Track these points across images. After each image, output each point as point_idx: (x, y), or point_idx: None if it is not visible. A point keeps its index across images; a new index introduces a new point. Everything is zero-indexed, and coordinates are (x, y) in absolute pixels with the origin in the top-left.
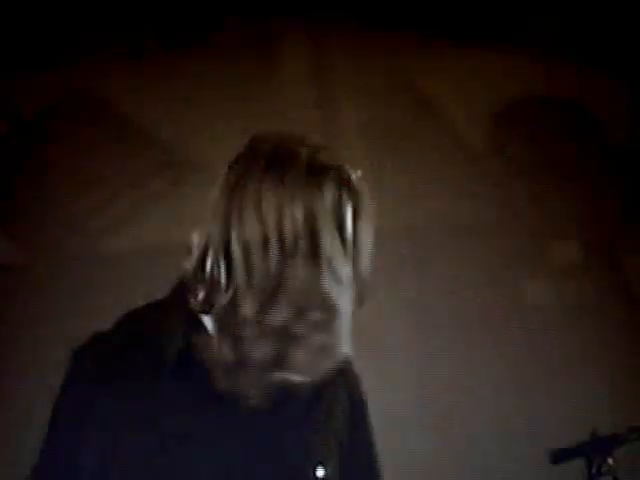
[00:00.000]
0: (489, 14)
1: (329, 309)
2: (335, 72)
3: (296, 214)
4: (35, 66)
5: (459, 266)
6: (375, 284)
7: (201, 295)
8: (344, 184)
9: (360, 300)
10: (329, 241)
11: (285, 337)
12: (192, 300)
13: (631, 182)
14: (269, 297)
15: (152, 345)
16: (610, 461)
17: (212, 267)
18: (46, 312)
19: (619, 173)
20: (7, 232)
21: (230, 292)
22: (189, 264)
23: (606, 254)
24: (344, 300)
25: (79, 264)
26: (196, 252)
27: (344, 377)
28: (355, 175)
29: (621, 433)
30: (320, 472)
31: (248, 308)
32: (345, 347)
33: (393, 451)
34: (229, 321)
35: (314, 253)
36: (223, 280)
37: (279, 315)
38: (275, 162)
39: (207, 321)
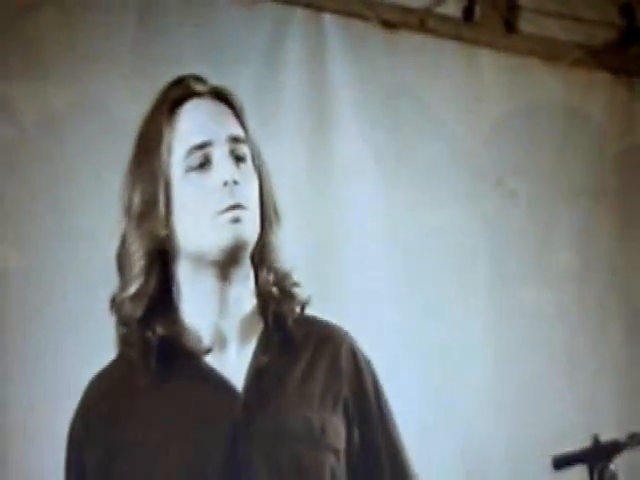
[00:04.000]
0: None
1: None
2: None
3: None
4: None
5: (458, 276)
6: (376, 289)
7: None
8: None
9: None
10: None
11: None
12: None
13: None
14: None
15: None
16: (612, 467)
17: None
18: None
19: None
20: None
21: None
22: None
23: (606, 260)
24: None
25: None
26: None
27: (345, 351)
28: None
29: (622, 439)
30: (318, 425)
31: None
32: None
33: None
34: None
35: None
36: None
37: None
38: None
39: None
